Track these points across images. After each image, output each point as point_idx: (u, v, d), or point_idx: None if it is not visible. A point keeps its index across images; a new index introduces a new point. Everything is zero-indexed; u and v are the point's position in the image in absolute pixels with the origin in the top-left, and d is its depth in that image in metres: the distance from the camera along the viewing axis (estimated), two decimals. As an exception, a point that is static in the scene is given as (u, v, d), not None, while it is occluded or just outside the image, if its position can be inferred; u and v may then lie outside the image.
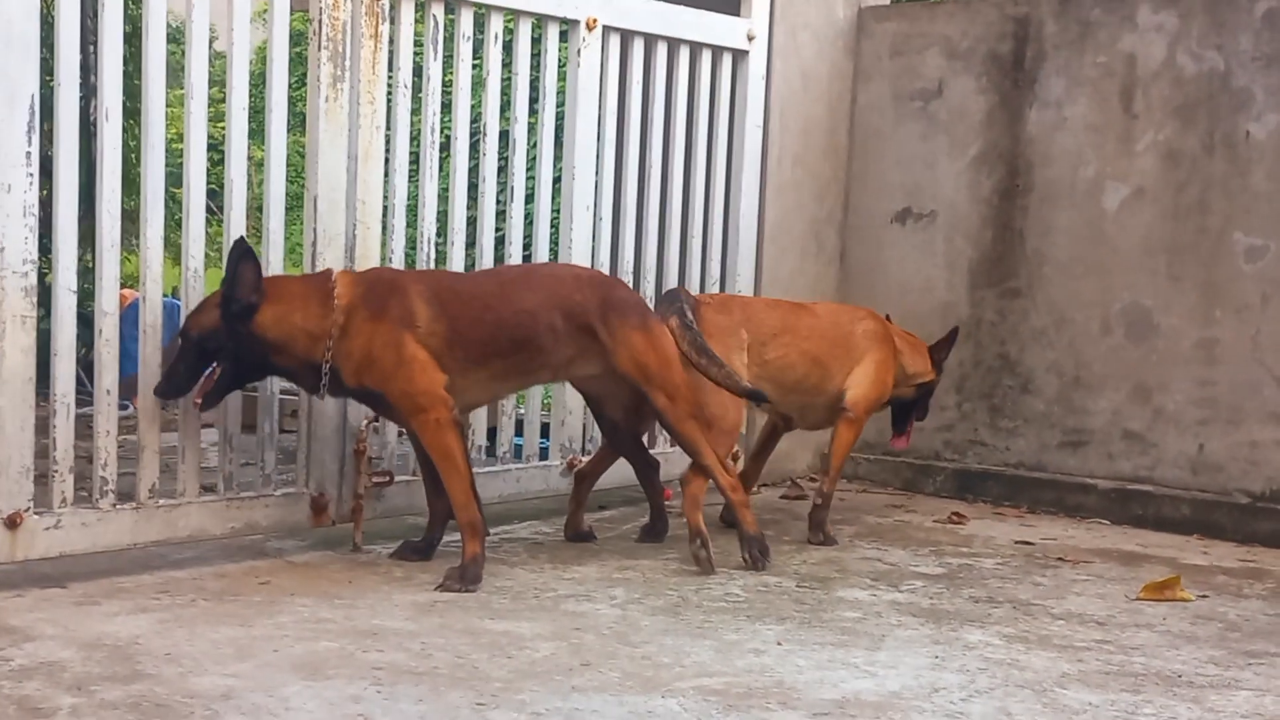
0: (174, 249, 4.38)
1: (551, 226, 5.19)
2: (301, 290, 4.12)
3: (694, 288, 5.51)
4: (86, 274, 4.10)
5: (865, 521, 5.28)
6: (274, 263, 4.35)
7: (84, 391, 4.22)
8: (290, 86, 4.40)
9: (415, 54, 4.65)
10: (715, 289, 5.66)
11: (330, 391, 4.19)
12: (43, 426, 3.87)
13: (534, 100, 5.06)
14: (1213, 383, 5.26)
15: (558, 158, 5.17)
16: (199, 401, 4.12)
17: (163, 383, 4.10)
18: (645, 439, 5.05)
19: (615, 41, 5.23)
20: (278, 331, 4.06)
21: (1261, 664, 3.51)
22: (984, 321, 5.87)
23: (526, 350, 4.29)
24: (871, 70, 6.20)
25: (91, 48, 4.09)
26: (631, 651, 3.40)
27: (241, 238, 4.08)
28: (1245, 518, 5.14)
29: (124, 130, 4.04)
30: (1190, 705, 3.16)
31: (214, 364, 4.09)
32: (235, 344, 4.04)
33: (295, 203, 4.77)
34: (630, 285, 5.04)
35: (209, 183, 4.20)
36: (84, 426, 4.01)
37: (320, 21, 4.36)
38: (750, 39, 5.70)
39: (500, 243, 5.03)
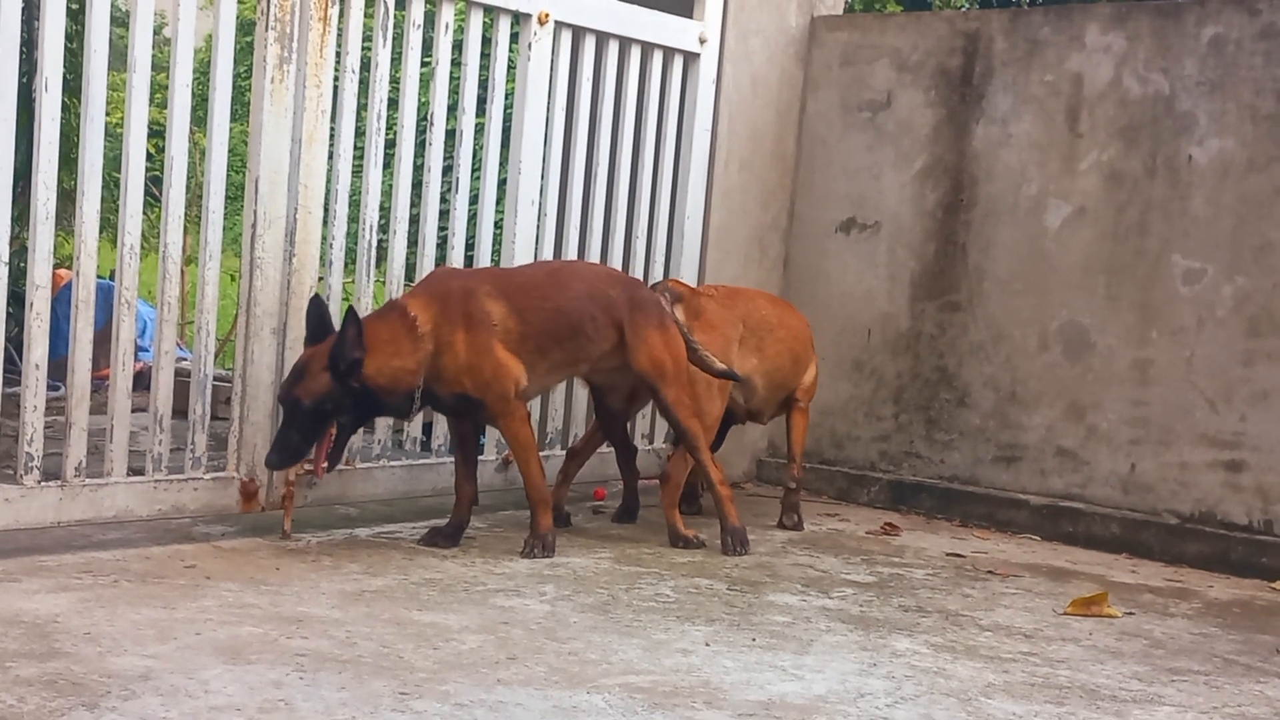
0: (112, 231, 4.31)
1: (496, 227, 5.15)
2: (389, 333, 4.20)
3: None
4: (22, 253, 4.03)
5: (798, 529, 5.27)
6: (212, 243, 4.31)
7: (14, 372, 4.15)
8: (238, 76, 4.35)
9: (365, 48, 4.60)
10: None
11: (419, 408, 4.36)
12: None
13: (482, 100, 5.02)
14: (1146, 403, 5.30)
15: (504, 160, 5.15)
16: (325, 466, 4.20)
17: (275, 454, 4.16)
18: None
19: (567, 37, 5.21)
20: (384, 377, 4.16)
21: (1184, 681, 3.54)
22: (923, 334, 5.89)
23: (578, 339, 4.48)
24: (821, 79, 6.21)
25: (36, 22, 4.02)
26: (559, 647, 3.38)
27: (317, 295, 4.30)
28: (1173, 538, 5.18)
29: (65, 109, 3.97)
30: (1113, 719, 3.18)
31: (329, 426, 4.16)
32: (350, 399, 4.13)
33: (238, 192, 4.72)
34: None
35: (151, 167, 4.15)
36: (12, 406, 3.95)
37: (269, 1, 4.31)
38: (702, 42, 5.70)
39: (444, 244, 4.99)
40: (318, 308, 4.24)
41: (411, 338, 4.19)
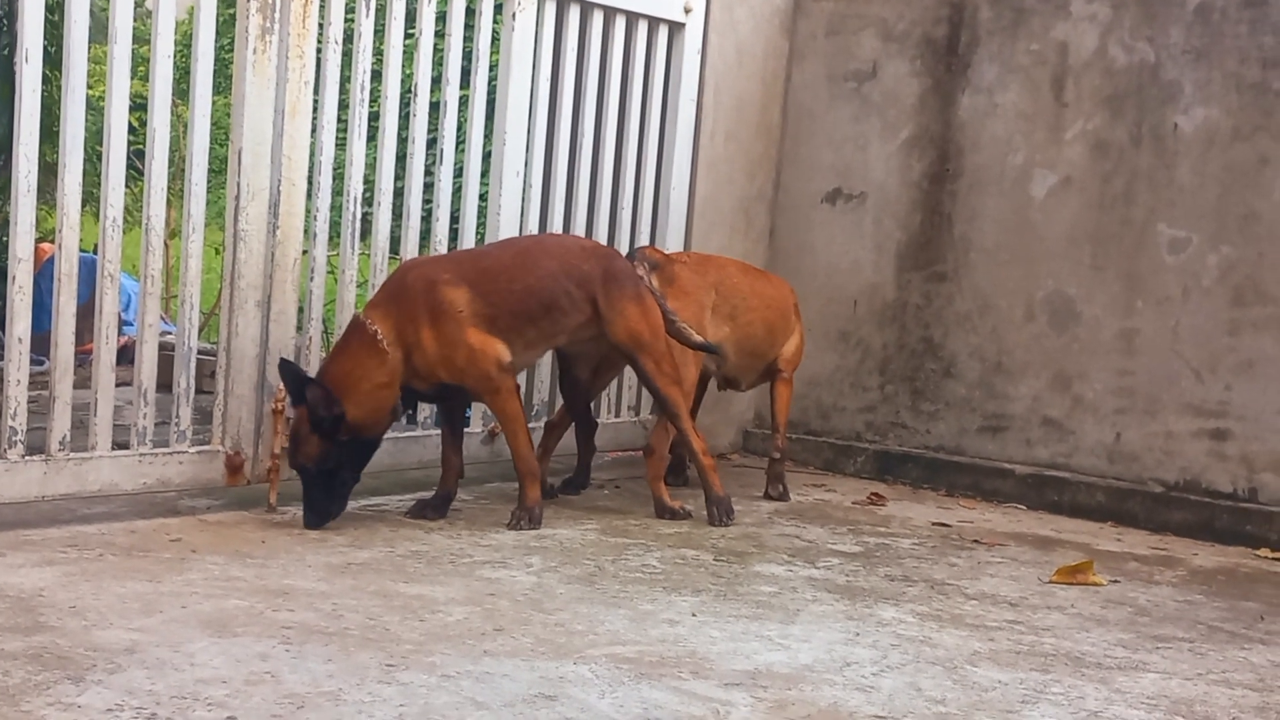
0: (94, 204, 4.28)
1: (481, 199, 5.13)
2: (352, 363, 4.22)
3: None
4: (4, 227, 4.01)
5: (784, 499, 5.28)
6: (195, 216, 4.28)
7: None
8: (220, 48, 4.32)
9: (348, 19, 4.57)
10: (643, 262, 5.65)
11: (403, 411, 4.45)
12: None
13: (466, 71, 4.99)
14: (1131, 373, 5.31)
15: (489, 132, 5.13)
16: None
17: (312, 515, 4.19)
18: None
19: (551, 8, 5.18)
20: (367, 410, 4.20)
21: (1169, 648, 3.55)
22: (909, 304, 5.89)
23: (552, 315, 4.48)
24: (806, 49, 6.20)
25: (15, -7, 3.99)
26: (545, 618, 3.38)
27: (284, 358, 4.28)
28: (1158, 507, 5.20)
29: (47, 81, 3.93)
30: (1098, 686, 3.18)
31: (345, 474, 4.24)
32: (348, 445, 4.19)
33: (221, 164, 4.69)
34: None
35: (134, 140, 4.11)
36: (-2, 380, 3.93)
37: (250, -28, 4.28)
38: (687, 11, 5.68)
39: (428, 216, 4.96)
40: (289, 369, 4.22)
41: (376, 354, 4.21)
